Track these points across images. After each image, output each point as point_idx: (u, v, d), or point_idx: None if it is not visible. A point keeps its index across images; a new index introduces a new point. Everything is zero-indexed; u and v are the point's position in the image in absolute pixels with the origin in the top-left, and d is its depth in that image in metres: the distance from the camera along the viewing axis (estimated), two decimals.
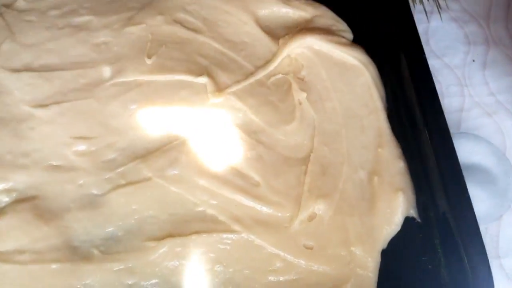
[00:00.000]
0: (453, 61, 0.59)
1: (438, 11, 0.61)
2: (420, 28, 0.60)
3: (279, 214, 0.47)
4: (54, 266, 0.45)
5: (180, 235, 0.46)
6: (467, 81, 0.58)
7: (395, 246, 0.47)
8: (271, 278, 0.45)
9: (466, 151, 0.54)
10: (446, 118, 0.52)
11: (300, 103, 0.52)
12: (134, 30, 0.56)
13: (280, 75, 0.55)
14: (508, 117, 0.55)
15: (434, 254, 0.46)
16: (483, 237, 0.46)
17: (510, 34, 0.60)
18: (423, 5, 0.62)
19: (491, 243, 0.50)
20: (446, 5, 0.61)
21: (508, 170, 0.53)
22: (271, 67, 0.55)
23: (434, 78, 0.52)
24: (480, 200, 0.52)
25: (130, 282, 0.45)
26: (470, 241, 0.44)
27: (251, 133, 0.51)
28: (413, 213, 0.48)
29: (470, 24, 0.61)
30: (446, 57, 0.59)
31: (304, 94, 0.52)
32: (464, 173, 0.48)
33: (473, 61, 0.58)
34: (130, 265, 0.45)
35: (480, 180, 0.53)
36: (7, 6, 0.56)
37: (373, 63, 0.54)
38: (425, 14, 0.61)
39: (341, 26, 0.56)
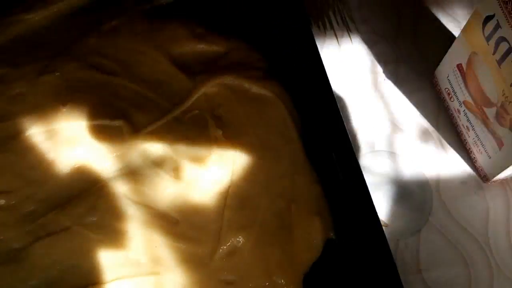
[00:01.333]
0: (365, 81, 0.61)
1: (349, 34, 0.64)
2: (331, 51, 0.63)
3: (199, 251, 0.47)
4: None
5: (101, 282, 0.46)
6: (379, 101, 0.60)
7: (318, 270, 0.49)
8: None
9: (382, 168, 0.56)
10: (360, 138, 0.54)
11: (217, 139, 0.53)
12: (49, 79, 0.56)
13: (197, 111, 0.55)
14: (423, 133, 0.58)
15: (355, 274, 0.48)
16: (403, 252, 0.48)
17: (418, 50, 0.62)
18: (333, 30, 0.65)
19: (412, 258, 0.52)
20: (356, 27, 0.64)
21: (425, 184, 0.55)
22: (188, 103, 0.56)
23: (345, 100, 0.54)
24: (398, 215, 0.54)
25: None
26: (381, 260, 0.46)
27: (170, 170, 0.51)
28: (332, 235, 0.50)
29: (379, 44, 0.63)
30: (357, 78, 0.62)
31: (220, 132, 0.53)
32: (381, 189, 0.50)
33: (385, 80, 0.61)
34: None
35: (397, 196, 0.55)
36: None
37: (287, 94, 0.56)
38: (336, 38, 0.64)
39: (256, 56, 0.58)
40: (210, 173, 0.52)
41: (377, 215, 0.47)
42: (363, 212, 0.48)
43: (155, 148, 0.53)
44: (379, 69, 0.63)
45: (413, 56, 0.64)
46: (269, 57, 0.59)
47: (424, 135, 0.59)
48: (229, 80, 0.56)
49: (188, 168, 0.52)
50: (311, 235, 0.50)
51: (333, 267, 0.49)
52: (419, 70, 0.63)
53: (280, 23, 0.60)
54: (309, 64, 0.55)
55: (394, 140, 0.59)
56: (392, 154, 0.57)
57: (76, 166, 0.52)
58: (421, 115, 0.61)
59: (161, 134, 0.54)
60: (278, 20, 0.60)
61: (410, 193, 0.56)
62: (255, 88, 0.56)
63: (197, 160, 0.53)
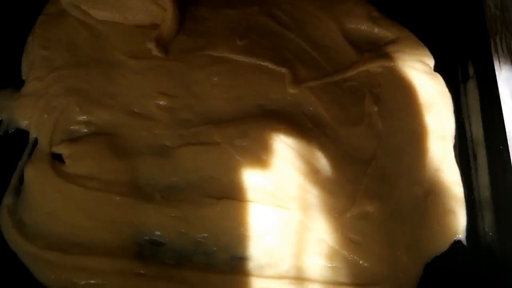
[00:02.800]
0: None
1: (511, 62, 0.64)
2: None
3: (332, 203, 0.48)
4: (118, 198, 0.47)
5: (236, 199, 0.48)
6: None
7: (438, 263, 0.48)
8: (315, 260, 0.46)
9: None
10: None
11: (370, 115, 0.54)
12: (231, 13, 0.60)
13: (356, 83, 0.57)
14: None
15: (474, 280, 0.47)
16: None
17: None
18: (497, 54, 0.65)
19: None
20: None
21: None
22: (349, 73, 0.58)
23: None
24: None
25: (183, 230, 0.47)
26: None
27: (319, 125, 0.53)
28: (461, 237, 0.49)
29: None
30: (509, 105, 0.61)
31: (376, 108, 0.55)
32: None
33: None
34: (186, 214, 0.47)
35: None
36: None
37: (448, 95, 0.57)
38: (498, 62, 0.64)
39: (423, 51, 0.59)
40: (356, 141, 0.53)
41: None
42: (502, 226, 0.47)
43: (310, 101, 0.55)
44: None
45: None
46: (436, 56, 0.60)
47: None
48: (396, 66, 0.58)
49: (336, 129, 0.54)
50: (442, 229, 0.49)
51: (454, 267, 0.48)
52: None
53: (454, 26, 0.61)
54: (481, 75, 0.55)
55: None
56: None
57: (236, 95, 0.55)
58: None
59: (318, 92, 0.56)
60: (452, 22, 0.61)
61: None
62: (418, 80, 0.57)
63: (346, 124, 0.54)
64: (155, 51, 0.54)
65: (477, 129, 0.53)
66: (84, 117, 0.52)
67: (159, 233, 0.47)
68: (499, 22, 0.68)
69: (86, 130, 0.52)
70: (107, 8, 0.56)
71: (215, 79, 0.56)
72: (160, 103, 0.54)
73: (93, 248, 0.45)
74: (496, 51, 0.66)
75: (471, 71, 0.57)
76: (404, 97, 0.56)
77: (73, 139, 0.51)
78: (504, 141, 0.50)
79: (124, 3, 0.55)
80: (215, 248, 0.46)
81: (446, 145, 0.53)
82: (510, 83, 0.64)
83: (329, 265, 0.46)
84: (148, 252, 0.46)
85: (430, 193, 0.51)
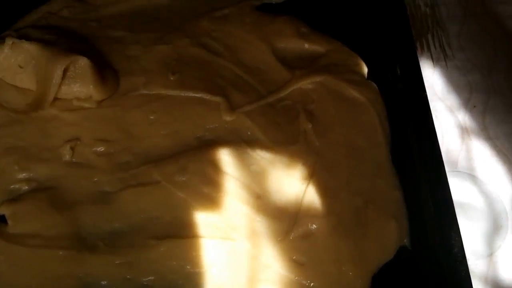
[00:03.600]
0: (455, 104, 0.62)
1: (444, 59, 0.65)
2: (426, 71, 0.64)
3: (275, 227, 0.49)
4: (61, 252, 0.47)
5: (180, 237, 0.49)
6: (467, 124, 0.61)
7: (385, 271, 0.49)
8: (262, 287, 0.46)
9: (461, 190, 0.56)
10: (444, 156, 0.55)
11: (305, 132, 0.55)
12: (162, 49, 0.61)
13: (290, 102, 0.58)
14: (505, 162, 0.57)
15: (422, 282, 0.47)
16: (472, 272, 0.47)
17: (511, 85, 0.63)
18: (430, 52, 0.66)
19: (480, 279, 0.51)
20: (452, 54, 0.65)
21: (501, 212, 0.55)
22: (283, 93, 0.58)
23: (435, 117, 0.55)
24: (472, 237, 0.53)
25: (129, 276, 0.47)
26: (458, 276, 0.45)
27: (257, 149, 0.54)
28: (405, 241, 0.50)
29: (473, 73, 0.64)
30: (448, 100, 0.63)
31: (310, 125, 0.55)
32: (458, 210, 0.50)
33: (474, 107, 0.61)
34: (131, 260, 0.48)
35: (473, 218, 0.54)
36: (52, 13, 0.62)
37: (381, 100, 0.58)
38: (431, 60, 0.65)
39: (355, 60, 0.60)
40: (294, 160, 0.54)
41: (459, 232, 0.46)
42: (444, 226, 0.47)
43: (246, 126, 0.56)
44: (470, 95, 0.63)
45: (504, 90, 0.65)
46: (369, 61, 0.60)
47: (506, 164, 0.58)
48: (327, 80, 0.59)
49: (274, 150, 0.54)
50: (385, 237, 0.50)
51: (402, 274, 0.49)
52: (509, 104, 0.63)
53: (383, 31, 0.62)
54: (409, 77, 0.56)
55: (475, 164, 0.59)
56: (472, 177, 0.57)
57: (174, 130, 0.56)
58: (504, 145, 0.60)
59: (254, 115, 0.57)
60: (380, 28, 0.62)
61: (486, 218, 0.55)
62: (351, 92, 0.58)
63: (284, 145, 0.55)
64: (87, 104, 0.55)
65: (410, 132, 0.54)
66: (24, 174, 0.53)
67: (105, 282, 0.47)
68: (429, 19, 0.69)
69: (26, 187, 0.52)
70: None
71: (152, 117, 0.56)
72: (98, 149, 0.54)
73: None
74: (429, 49, 0.67)
75: (399, 73, 0.58)
76: (337, 111, 0.57)
77: (14, 198, 0.51)
78: (435, 141, 0.51)
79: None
80: None
81: (381, 153, 0.54)
82: (444, 80, 0.65)
83: None
84: None
85: (370, 202, 0.52)
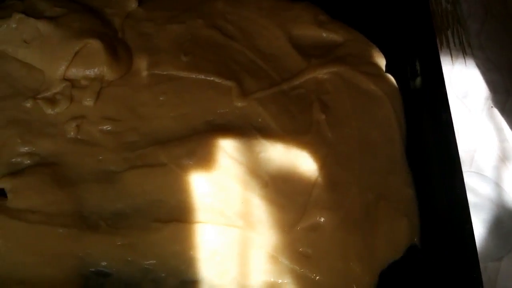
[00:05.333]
0: (472, 103, 0.61)
1: (464, 56, 0.64)
2: (445, 68, 0.63)
3: (282, 217, 0.48)
4: (61, 230, 0.46)
5: (184, 221, 0.47)
6: (483, 125, 0.59)
7: (394, 269, 0.47)
8: (266, 278, 0.46)
9: (475, 190, 0.55)
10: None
11: (318, 123, 0.54)
12: (176, 28, 0.59)
13: (304, 91, 0.56)
14: None
15: (432, 282, 0.46)
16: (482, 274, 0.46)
17: None
18: (449, 49, 0.64)
19: (489, 282, 0.50)
20: (472, 52, 0.64)
21: None
22: (297, 81, 0.57)
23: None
24: (483, 239, 0.52)
25: (129, 259, 0.46)
26: (468, 276, 0.44)
27: (267, 136, 0.52)
28: (416, 240, 0.49)
29: (492, 73, 0.63)
30: (465, 99, 0.61)
31: (323, 116, 0.54)
32: (470, 211, 0.48)
33: (492, 107, 0.60)
34: (133, 241, 0.46)
35: (485, 220, 0.53)
36: None
37: (398, 95, 0.56)
38: (450, 57, 0.64)
39: (374, 51, 0.58)
40: (305, 150, 0.53)
41: (473, 234, 0.45)
42: (457, 226, 0.46)
43: (258, 113, 0.55)
44: (488, 95, 0.62)
45: None
46: (387, 54, 0.59)
47: None
48: (343, 70, 0.57)
49: (285, 139, 0.53)
50: (395, 235, 0.49)
51: (411, 272, 0.48)
52: None
53: (403, 24, 0.60)
54: (429, 73, 0.54)
55: (491, 166, 0.58)
56: (486, 178, 0.56)
57: (183, 112, 0.54)
58: None
59: (266, 102, 0.55)
60: (401, 20, 0.61)
61: (498, 220, 0.54)
62: (368, 84, 0.57)
63: (295, 134, 0.54)
64: (96, 84, 0.53)
65: (427, 129, 0.53)
66: (26, 148, 0.51)
67: (105, 263, 0.46)
68: (450, 16, 0.68)
69: (29, 161, 0.51)
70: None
71: (161, 98, 0.55)
72: (104, 128, 0.53)
73: (37, 285, 0.44)
74: (448, 46, 0.66)
75: (418, 68, 0.56)
76: (353, 103, 0.56)
77: (16, 172, 0.50)
78: (452, 139, 0.50)
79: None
80: (163, 274, 0.46)
81: (395, 148, 0.53)
82: (462, 78, 0.63)
83: (281, 281, 0.46)
84: (94, 284, 0.45)
85: (381, 198, 0.50)
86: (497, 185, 0.55)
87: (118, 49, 0.55)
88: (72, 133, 0.52)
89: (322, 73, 0.58)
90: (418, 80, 0.56)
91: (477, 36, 0.67)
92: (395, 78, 0.58)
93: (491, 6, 0.70)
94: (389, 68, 0.59)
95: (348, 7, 0.62)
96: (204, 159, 0.51)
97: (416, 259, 0.49)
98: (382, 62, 0.58)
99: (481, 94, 0.63)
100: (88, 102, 0.53)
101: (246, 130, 0.54)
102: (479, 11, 0.69)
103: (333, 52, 0.60)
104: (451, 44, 0.66)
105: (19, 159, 0.51)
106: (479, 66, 0.65)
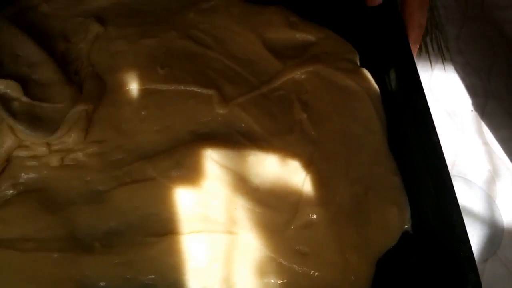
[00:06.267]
0: (452, 108, 0.62)
1: (443, 61, 0.66)
2: (424, 74, 0.65)
3: (276, 218, 0.49)
4: (56, 255, 0.46)
5: (179, 233, 0.48)
6: (464, 128, 0.61)
7: (389, 257, 0.49)
8: (266, 279, 0.46)
9: (458, 194, 0.56)
10: None
11: (301, 122, 0.55)
12: (149, 42, 0.60)
13: (283, 92, 0.58)
14: (500, 167, 0.58)
15: (427, 265, 0.48)
16: None
17: (509, 90, 0.64)
18: (428, 54, 0.67)
19: None
20: (450, 57, 0.66)
21: (497, 217, 0.56)
22: (275, 83, 0.58)
23: None
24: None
25: (128, 276, 0.46)
26: (461, 256, 0.46)
27: (252, 140, 0.53)
28: (407, 227, 0.50)
29: (471, 77, 0.65)
30: (445, 103, 0.63)
31: (305, 115, 0.55)
32: None
33: (472, 111, 0.62)
34: (130, 259, 0.47)
35: (468, 223, 0.55)
36: (30, 7, 0.60)
37: (375, 88, 0.58)
38: (429, 63, 0.66)
39: (347, 47, 0.60)
40: (291, 149, 0.54)
41: (460, 213, 0.47)
42: (445, 208, 0.48)
43: (241, 118, 0.55)
44: (468, 99, 0.64)
45: (503, 94, 0.65)
46: (360, 50, 0.61)
47: (503, 169, 0.59)
48: (319, 69, 0.59)
49: (270, 140, 0.54)
50: (387, 223, 0.50)
51: (406, 258, 0.49)
52: (507, 109, 0.64)
53: (373, 19, 0.62)
54: (402, 63, 0.56)
55: (472, 169, 0.59)
56: (468, 181, 0.58)
57: (166, 125, 0.55)
58: (500, 150, 0.61)
59: (247, 107, 0.56)
60: (371, 16, 0.62)
61: (481, 223, 0.56)
62: (344, 80, 0.58)
63: (279, 135, 0.55)
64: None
65: (406, 118, 0.55)
66: (9, 182, 0.51)
67: (104, 283, 0.46)
68: (428, 22, 0.70)
69: (13, 191, 0.50)
70: None
71: (143, 112, 0.55)
72: (89, 151, 0.52)
73: None
74: (427, 51, 0.68)
75: (391, 60, 0.58)
76: (332, 99, 0.57)
77: (1, 203, 0.49)
78: (431, 125, 0.52)
79: None
80: None
81: (378, 140, 0.55)
82: (442, 83, 0.65)
83: (281, 281, 0.46)
84: None
85: (370, 189, 0.52)
86: (481, 188, 0.57)
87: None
88: (56, 163, 0.52)
89: (299, 73, 0.59)
90: (392, 71, 0.58)
91: (456, 41, 0.69)
92: (370, 71, 0.60)
93: (469, 11, 0.72)
94: (362, 63, 0.61)
95: (317, 8, 0.64)
96: (193, 169, 0.51)
97: (410, 245, 0.50)
98: (356, 57, 0.60)
99: (460, 98, 0.65)
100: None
101: (231, 136, 0.54)
102: (457, 16, 0.71)
103: (308, 51, 0.61)
104: (430, 50, 0.68)
105: (2, 192, 0.50)
106: (458, 70, 0.67)
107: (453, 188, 0.48)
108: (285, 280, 0.46)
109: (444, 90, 0.64)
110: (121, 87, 0.56)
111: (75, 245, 0.47)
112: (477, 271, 0.43)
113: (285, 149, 0.54)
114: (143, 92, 0.57)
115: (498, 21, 0.69)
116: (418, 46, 0.56)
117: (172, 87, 0.57)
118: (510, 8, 0.70)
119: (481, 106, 0.64)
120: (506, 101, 0.63)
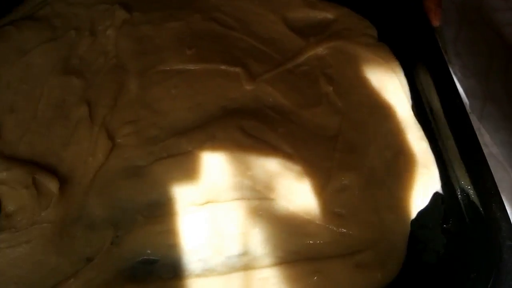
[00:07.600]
0: None
1: None
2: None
3: (311, 183, 0.51)
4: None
5: (219, 201, 0.50)
6: None
7: (422, 218, 0.51)
8: (306, 240, 0.48)
9: None
10: None
11: (327, 94, 0.57)
12: (174, 25, 0.62)
13: (308, 67, 0.60)
14: (499, 169, 0.60)
15: (457, 221, 0.50)
16: None
17: (507, 92, 0.64)
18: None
19: None
20: (448, 59, 0.66)
21: None
22: (299, 59, 0.60)
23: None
24: None
25: (172, 243, 0.48)
26: (492, 209, 0.47)
27: (282, 113, 0.55)
28: (438, 187, 0.52)
29: (469, 79, 0.66)
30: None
31: (330, 88, 0.58)
32: None
33: (470, 113, 0.62)
34: (172, 227, 0.48)
35: None
36: None
37: (395, 61, 0.60)
38: None
39: (365, 23, 0.62)
40: (319, 120, 0.56)
41: (489, 169, 0.49)
42: (473, 168, 0.50)
43: (268, 93, 0.58)
44: (466, 101, 0.64)
45: (501, 97, 0.65)
46: (378, 26, 0.63)
47: (502, 171, 0.60)
48: (341, 44, 0.61)
49: (298, 113, 0.56)
50: (418, 185, 0.52)
51: (438, 218, 0.51)
52: (505, 111, 0.64)
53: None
54: (421, 37, 0.58)
55: None
56: None
57: (197, 102, 0.57)
58: (499, 152, 0.62)
59: (274, 82, 0.58)
60: None
61: None
62: (366, 53, 0.61)
63: (307, 107, 0.57)
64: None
65: (429, 86, 0.57)
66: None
67: (150, 251, 0.47)
68: None
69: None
70: None
71: (173, 91, 0.57)
72: (125, 131, 0.54)
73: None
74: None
75: (409, 34, 0.60)
76: (356, 72, 0.59)
77: None
78: (455, 91, 0.54)
79: None
80: (209, 253, 0.48)
81: (404, 107, 0.57)
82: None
83: (319, 242, 0.48)
84: (142, 272, 0.47)
85: (399, 154, 0.54)
86: None
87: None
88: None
89: (321, 49, 0.61)
90: (410, 46, 0.60)
91: (454, 43, 0.70)
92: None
93: (467, 14, 0.72)
94: (380, 38, 0.63)
95: None
96: (226, 140, 0.53)
97: (441, 204, 0.52)
98: (374, 32, 0.63)
99: None
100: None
101: (260, 110, 0.56)
102: (454, 19, 0.71)
103: (328, 28, 0.63)
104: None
105: None
106: (456, 73, 0.67)
107: (481, 149, 0.50)
108: (325, 240, 0.48)
109: None
110: (148, 69, 0.58)
111: (117, 220, 0.49)
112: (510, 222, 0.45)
113: (314, 120, 0.56)
114: (172, 73, 0.59)
115: (496, 24, 0.70)
116: (441, 9, 0.57)
117: (200, 67, 0.59)
118: (507, 11, 0.71)
119: (479, 109, 0.64)
120: (504, 103, 0.64)
